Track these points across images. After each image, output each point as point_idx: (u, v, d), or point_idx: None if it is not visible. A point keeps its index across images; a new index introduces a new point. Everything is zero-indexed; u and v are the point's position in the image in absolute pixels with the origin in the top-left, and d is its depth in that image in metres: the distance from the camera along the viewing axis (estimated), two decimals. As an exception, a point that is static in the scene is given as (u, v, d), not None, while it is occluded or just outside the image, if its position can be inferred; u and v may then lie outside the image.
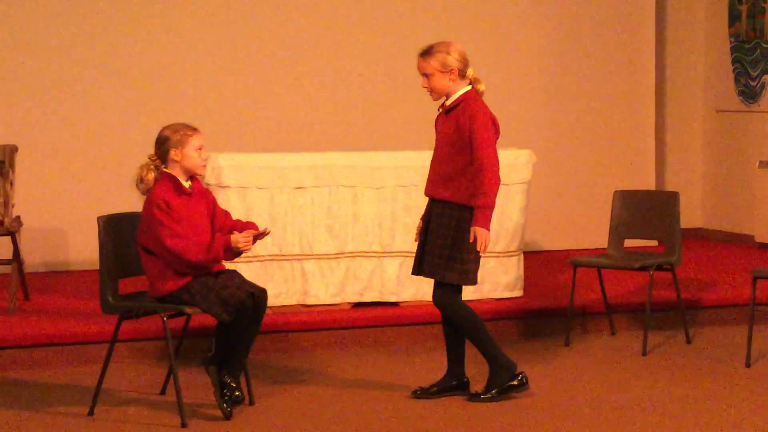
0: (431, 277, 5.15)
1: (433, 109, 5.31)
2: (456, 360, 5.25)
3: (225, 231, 4.94)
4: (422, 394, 5.21)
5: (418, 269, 5.19)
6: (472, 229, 4.98)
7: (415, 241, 5.28)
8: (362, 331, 6.29)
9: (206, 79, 8.31)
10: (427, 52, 5.09)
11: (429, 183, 5.17)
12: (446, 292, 5.15)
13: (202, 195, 4.99)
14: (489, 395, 5.15)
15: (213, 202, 5.03)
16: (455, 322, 5.17)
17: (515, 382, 5.16)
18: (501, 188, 6.55)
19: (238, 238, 4.85)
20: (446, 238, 5.07)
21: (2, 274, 7.42)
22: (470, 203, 5.02)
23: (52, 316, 6.30)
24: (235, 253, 4.91)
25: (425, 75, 5.08)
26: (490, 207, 5.00)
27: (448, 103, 5.12)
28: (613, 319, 6.59)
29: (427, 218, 5.17)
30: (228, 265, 5.07)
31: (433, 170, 5.15)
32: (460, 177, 5.05)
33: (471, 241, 4.99)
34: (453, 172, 5.06)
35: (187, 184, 4.91)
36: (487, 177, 4.98)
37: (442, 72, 5.05)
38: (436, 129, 5.22)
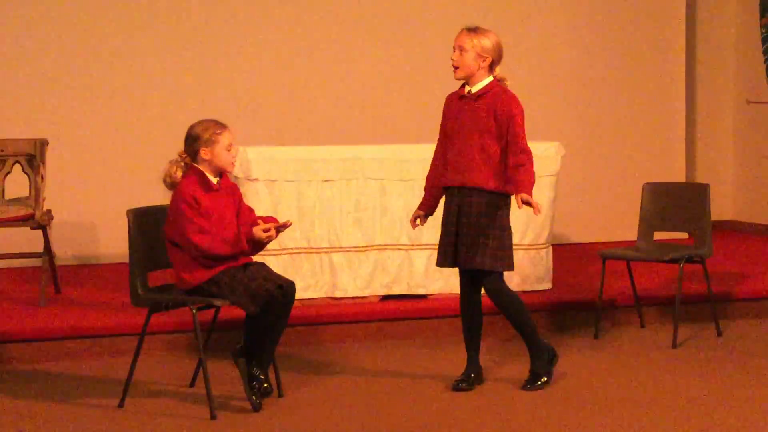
0: (478, 267, 5.08)
1: (460, 102, 5.28)
2: (477, 349, 5.27)
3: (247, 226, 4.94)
4: (466, 385, 5.18)
5: (453, 260, 5.13)
6: (518, 196, 4.91)
7: (414, 227, 5.31)
8: (390, 324, 6.29)
9: (234, 74, 8.32)
10: (474, 30, 5.08)
11: (457, 171, 5.09)
12: (497, 280, 5.13)
13: (229, 190, 5.00)
14: (540, 383, 5.21)
15: (239, 198, 5.04)
16: (506, 309, 5.17)
17: (549, 359, 5.27)
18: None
19: (260, 230, 4.85)
20: (490, 227, 5.05)
21: (33, 267, 7.47)
22: (506, 190, 5.04)
23: (82, 308, 6.34)
24: (258, 245, 4.92)
25: (461, 48, 5.05)
26: (533, 184, 4.99)
27: (474, 89, 5.10)
28: (642, 311, 6.56)
29: (455, 208, 5.11)
30: (256, 258, 5.08)
31: (462, 158, 5.07)
32: (496, 164, 5.05)
33: (520, 207, 4.92)
34: (488, 160, 5.05)
35: (215, 180, 4.92)
36: (530, 160, 5.02)
37: (479, 55, 5.06)
38: (451, 116, 5.15)
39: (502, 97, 5.06)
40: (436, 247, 6.45)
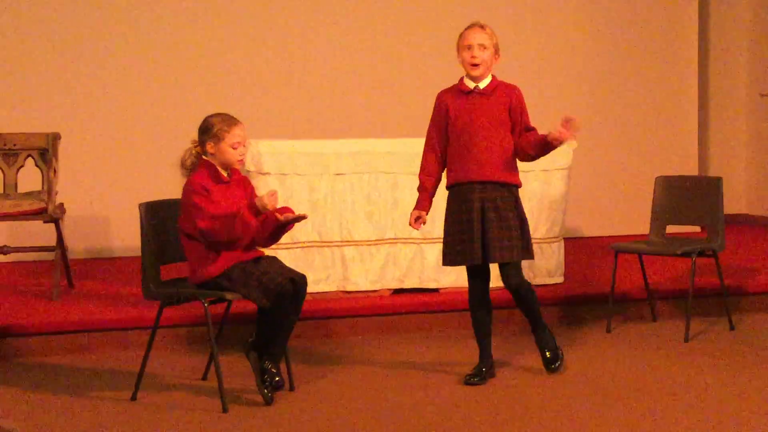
0: (513, 260, 5.13)
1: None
2: (490, 344, 5.30)
3: (260, 219, 4.92)
4: (478, 380, 5.19)
5: (487, 256, 5.10)
6: (552, 133, 4.98)
7: (418, 228, 5.29)
8: (402, 318, 6.30)
9: (246, 68, 8.33)
10: (486, 27, 5.14)
11: (479, 166, 5.09)
12: (521, 271, 5.21)
13: (241, 183, 5.01)
14: (561, 359, 5.35)
15: (251, 191, 5.04)
16: (529, 297, 5.25)
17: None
18: (542, 174, 6.62)
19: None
20: (517, 220, 5.13)
21: (46, 261, 7.50)
22: (519, 182, 5.16)
23: (94, 302, 6.36)
24: (274, 230, 4.89)
25: (483, 47, 5.09)
26: None
27: (482, 85, 5.13)
28: (654, 305, 6.55)
29: (479, 203, 5.10)
30: (268, 252, 5.08)
31: (483, 153, 5.09)
32: (512, 157, 5.14)
33: (555, 137, 4.96)
34: (507, 153, 5.12)
35: (225, 173, 4.93)
36: None
37: (495, 53, 5.15)
38: (460, 112, 5.13)
39: (513, 91, 5.14)
40: (448, 240, 6.47)
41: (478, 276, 5.22)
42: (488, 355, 5.27)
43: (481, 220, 5.10)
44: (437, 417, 4.73)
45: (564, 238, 6.87)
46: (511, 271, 5.15)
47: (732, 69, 9.61)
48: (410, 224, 5.29)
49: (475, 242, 5.10)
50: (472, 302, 5.24)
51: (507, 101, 5.11)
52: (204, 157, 4.92)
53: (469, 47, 5.09)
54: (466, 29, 5.15)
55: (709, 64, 9.59)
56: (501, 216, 5.09)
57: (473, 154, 5.11)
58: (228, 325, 5.48)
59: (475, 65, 5.09)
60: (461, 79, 5.19)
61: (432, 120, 5.24)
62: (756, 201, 9.56)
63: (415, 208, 5.28)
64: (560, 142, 5.01)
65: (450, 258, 5.21)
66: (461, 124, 5.14)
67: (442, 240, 6.46)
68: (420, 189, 5.28)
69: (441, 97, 5.23)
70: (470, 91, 5.14)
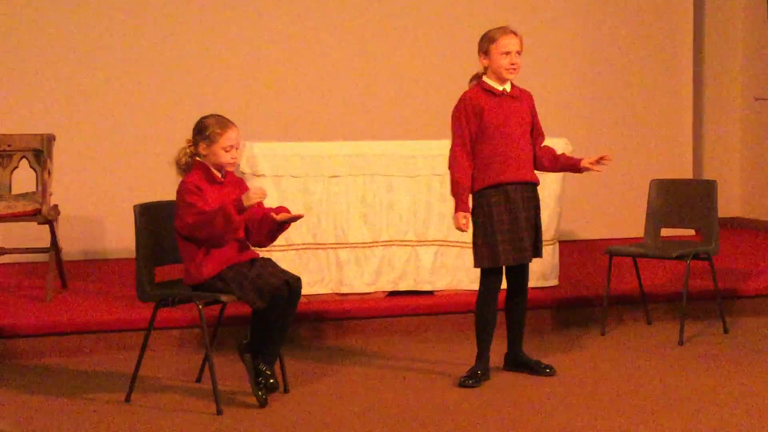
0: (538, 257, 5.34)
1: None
2: (490, 345, 5.31)
3: (257, 218, 4.94)
4: (473, 382, 5.20)
5: (530, 253, 5.24)
6: (585, 161, 5.26)
7: (466, 230, 5.24)
8: (397, 320, 6.30)
9: (241, 69, 8.33)
10: (517, 32, 5.27)
11: (518, 167, 5.19)
12: None
13: (235, 184, 5.00)
14: None
15: (245, 192, 5.03)
16: (526, 299, 5.39)
17: None
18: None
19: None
20: (539, 220, 5.32)
21: (40, 262, 7.49)
22: (539, 182, 5.34)
23: (89, 303, 6.35)
24: (271, 230, 4.89)
25: (518, 53, 5.24)
26: None
27: (508, 88, 5.25)
28: (649, 308, 6.56)
29: (520, 203, 5.18)
30: (263, 253, 5.08)
31: (520, 154, 5.21)
32: (531, 159, 5.32)
33: (586, 166, 5.26)
34: (531, 155, 5.29)
35: (218, 173, 4.93)
36: None
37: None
38: (492, 112, 5.17)
39: (530, 94, 5.33)
40: (443, 242, 6.50)
41: (499, 278, 5.26)
42: (486, 358, 5.28)
43: (525, 219, 5.22)
44: (432, 419, 4.73)
45: (559, 241, 6.87)
46: (526, 270, 5.31)
47: (726, 72, 9.62)
48: (458, 227, 5.21)
49: (525, 241, 5.20)
50: (486, 303, 5.25)
51: (530, 104, 5.30)
52: (197, 158, 4.92)
53: (508, 53, 5.18)
54: (501, 35, 5.20)
55: (703, 67, 9.60)
56: (532, 216, 5.26)
57: (511, 155, 5.19)
58: (222, 327, 5.48)
59: (514, 69, 5.20)
60: (483, 81, 5.23)
61: (463, 120, 5.19)
62: (750, 204, 9.57)
63: (459, 210, 5.18)
64: (586, 171, 5.30)
65: (502, 258, 5.16)
66: (495, 126, 5.19)
67: (436, 242, 6.50)
68: (461, 190, 5.19)
69: (472, 98, 5.21)
70: (501, 93, 5.22)
